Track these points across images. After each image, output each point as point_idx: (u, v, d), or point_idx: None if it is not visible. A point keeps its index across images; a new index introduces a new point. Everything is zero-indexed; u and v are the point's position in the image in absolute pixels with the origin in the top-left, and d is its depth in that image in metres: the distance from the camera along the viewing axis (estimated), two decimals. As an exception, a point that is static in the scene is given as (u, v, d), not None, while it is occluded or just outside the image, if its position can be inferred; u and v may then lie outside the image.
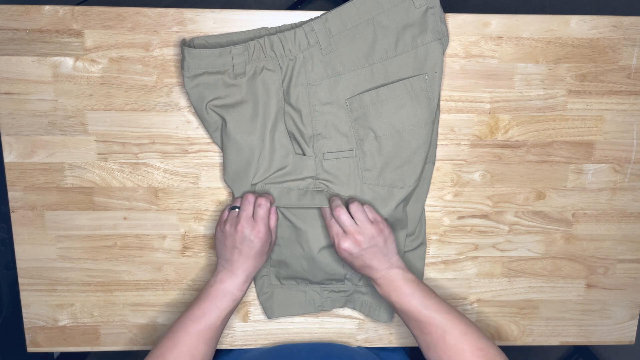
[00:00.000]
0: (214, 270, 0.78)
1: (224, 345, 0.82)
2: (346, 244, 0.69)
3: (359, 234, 0.69)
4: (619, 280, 0.83)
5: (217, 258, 0.73)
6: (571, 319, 0.84)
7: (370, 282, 0.74)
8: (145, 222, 0.78)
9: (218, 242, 0.72)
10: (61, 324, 0.81)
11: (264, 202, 0.71)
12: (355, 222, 0.70)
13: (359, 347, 0.83)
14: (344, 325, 0.82)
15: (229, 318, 0.70)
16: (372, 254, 0.69)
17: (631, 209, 0.81)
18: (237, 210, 0.71)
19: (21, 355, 1.10)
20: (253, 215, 0.70)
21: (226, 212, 0.73)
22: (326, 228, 0.75)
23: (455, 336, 0.64)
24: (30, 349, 0.82)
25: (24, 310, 0.80)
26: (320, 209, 0.75)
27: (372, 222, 0.70)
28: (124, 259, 0.79)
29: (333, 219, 0.72)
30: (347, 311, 0.82)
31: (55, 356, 1.28)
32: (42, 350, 0.82)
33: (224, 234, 0.71)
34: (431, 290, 0.69)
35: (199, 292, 0.74)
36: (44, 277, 0.79)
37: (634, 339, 0.86)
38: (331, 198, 0.74)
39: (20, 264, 0.79)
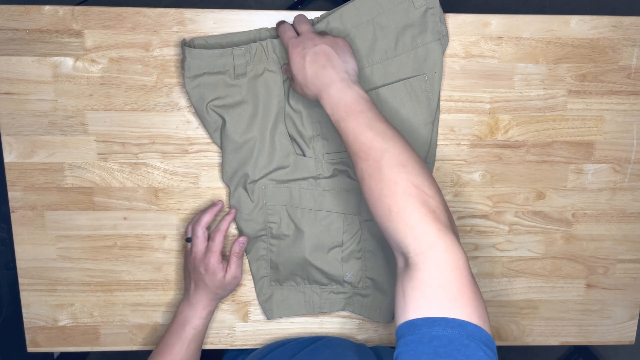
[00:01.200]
0: None
1: (224, 345, 0.82)
2: (298, 46, 0.62)
3: (313, 33, 0.64)
4: (619, 280, 0.83)
5: (184, 289, 0.77)
6: (571, 319, 0.84)
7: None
8: (145, 222, 0.78)
9: (184, 273, 0.77)
10: (61, 324, 0.81)
11: (217, 237, 0.72)
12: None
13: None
14: (344, 325, 0.82)
15: (196, 346, 0.73)
16: (327, 57, 0.61)
17: (631, 209, 0.81)
18: (189, 244, 0.74)
19: (21, 355, 1.10)
20: (207, 248, 0.72)
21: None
22: (327, 229, 0.75)
23: (392, 166, 0.53)
24: (30, 349, 0.81)
25: (24, 310, 0.80)
26: (319, 210, 0.75)
27: (334, 36, 0.66)
28: (124, 259, 0.79)
29: (286, 27, 0.67)
30: (347, 311, 0.82)
31: (55, 356, 1.28)
32: (42, 350, 0.82)
33: (187, 264, 0.75)
34: (384, 117, 0.58)
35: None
36: (44, 277, 0.79)
37: (634, 339, 0.86)
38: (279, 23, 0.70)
39: (20, 264, 0.79)
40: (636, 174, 0.80)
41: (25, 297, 0.80)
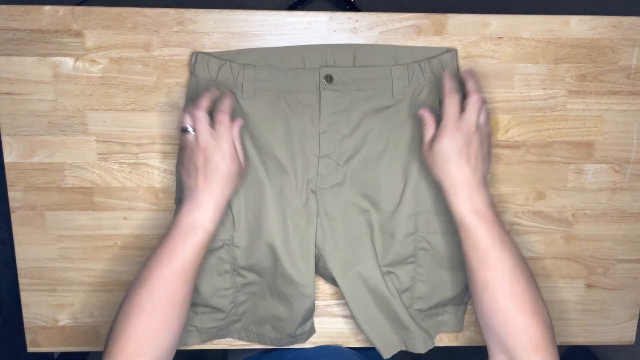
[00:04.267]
0: None
1: (224, 345, 0.82)
2: (459, 129, 0.62)
3: (475, 122, 0.63)
4: (618, 281, 0.83)
5: (184, 191, 0.65)
6: (571, 319, 0.84)
7: (446, 191, 0.65)
8: (146, 222, 0.78)
9: (181, 171, 0.65)
10: (61, 324, 0.81)
11: (224, 119, 0.63)
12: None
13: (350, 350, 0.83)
14: (344, 325, 0.83)
15: (204, 254, 0.63)
16: (475, 156, 0.62)
17: (631, 209, 0.81)
18: (191, 133, 0.63)
19: (21, 355, 1.11)
20: (215, 132, 0.62)
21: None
22: None
23: (513, 280, 0.60)
24: (31, 349, 0.82)
25: (24, 310, 0.80)
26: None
27: (488, 132, 0.66)
28: (124, 259, 0.79)
29: (455, 94, 0.64)
30: (347, 311, 0.82)
31: (55, 356, 1.29)
32: (42, 351, 0.82)
33: (185, 159, 0.64)
34: (504, 224, 0.64)
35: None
36: (44, 277, 0.79)
37: (633, 339, 0.86)
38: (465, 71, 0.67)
39: (20, 264, 0.79)
40: (636, 174, 0.80)
41: (26, 297, 0.80)
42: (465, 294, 0.78)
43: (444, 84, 0.65)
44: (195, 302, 0.75)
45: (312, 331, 0.79)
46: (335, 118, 0.73)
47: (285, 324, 0.76)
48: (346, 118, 0.73)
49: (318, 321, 0.82)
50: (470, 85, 0.65)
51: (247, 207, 0.73)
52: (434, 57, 0.72)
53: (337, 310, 0.82)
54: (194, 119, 0.63)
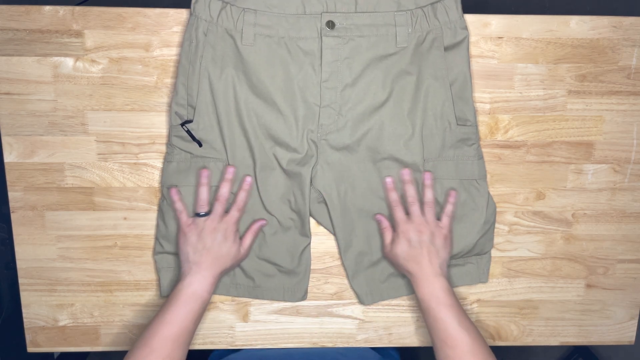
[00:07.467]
0: None
1: (224, 345, 0.83)
2: (408, 232, 0.71)
3: (421, 219, 0.72)
4: (618, 281, 0.83)
5: (182, 262, 0.72)
6: (571, 319, 0.84)
7: (405, 277, 0.77)
8: (146, 222, 0.78)
9: (184, 245, 0.72)
10: (61, 324, 0.81)
11: (233, 211, 0.73)
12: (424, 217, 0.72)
13: (362, 348, 0.83)
14: (344, 325, 0.83)
15: (200, 320, 0.71)
16: (427, 251, 0.71)
17: (631, 209, 0.81)
18: (205, 217, 0.72)
19: (21, 355, 1.11)
20: (225, 218, 0.72)
21: (187, 217, 0.73)
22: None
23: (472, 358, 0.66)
24: (31, 349, 0.82)
25: (24, 310, 0.80)
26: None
27: (438, 225, 0.73)
28: (124, 259, 0.79)
29: (399, 204, 0.73)
30: (347, 311, 0.82)
31: (55, 356, 1.29)
32: (42, 351, 0.82)
33: (194, 237, 0.71)
34: (462, 307, 0.71)
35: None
36: (44, 277, 0.79)
37: (633, 339, 0.86)
38: (404, 173, 0.74)
39: (20, 264, 0.79)
40: (636, 174, 0.80)
41: (26, 297, 0.80)
42: (486, 244, 0.78)
43: (387, 196, 0.75)
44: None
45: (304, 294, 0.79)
46: (337, 66, 0.71)
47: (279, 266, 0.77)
48: (348, 66, 0.72)
49: (318, 321, 0.82)
50: (409, 193, 0.73)
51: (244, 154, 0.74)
52: (437, 1, 0.71)
53: (337, 310, 0.82)
54: (214, 208, 0.72)
